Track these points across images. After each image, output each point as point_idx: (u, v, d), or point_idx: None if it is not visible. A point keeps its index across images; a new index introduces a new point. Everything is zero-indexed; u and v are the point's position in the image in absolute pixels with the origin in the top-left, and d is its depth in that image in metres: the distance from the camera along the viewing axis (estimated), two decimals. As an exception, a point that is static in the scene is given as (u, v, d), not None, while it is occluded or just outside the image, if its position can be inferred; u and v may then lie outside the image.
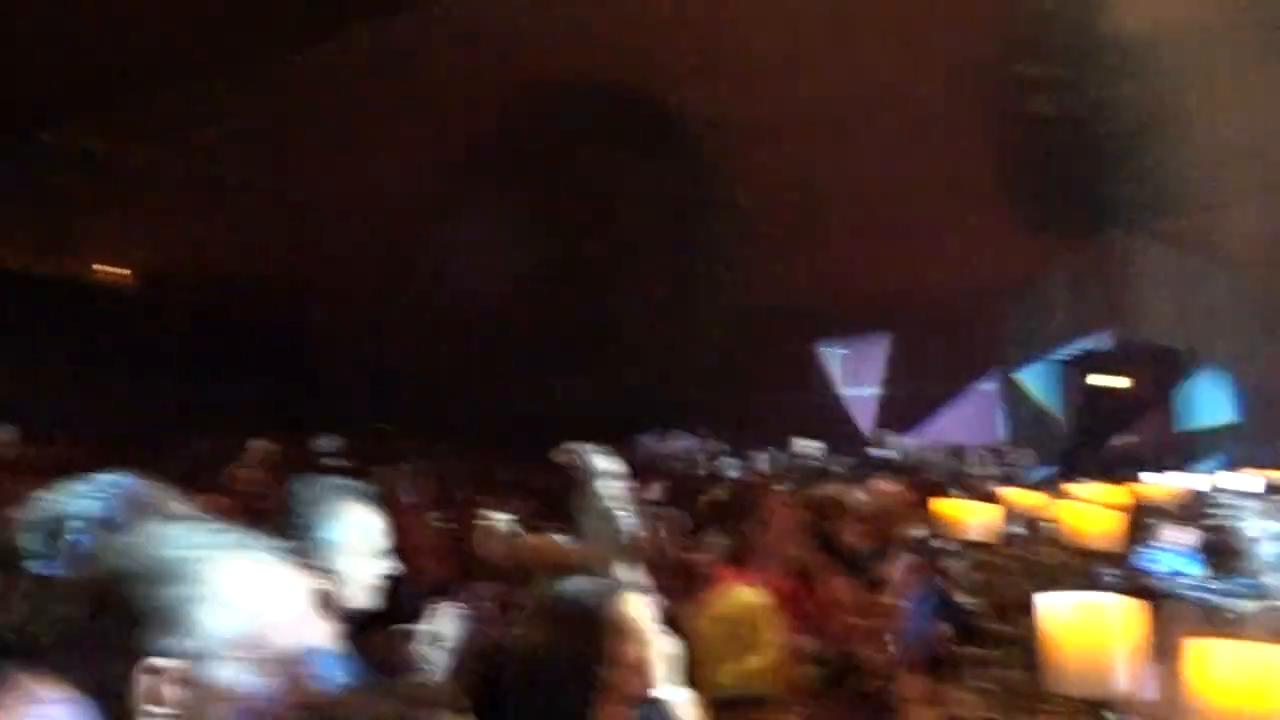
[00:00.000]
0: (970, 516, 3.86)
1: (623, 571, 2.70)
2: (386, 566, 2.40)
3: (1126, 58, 12.05)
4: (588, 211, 15.35)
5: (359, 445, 9.33)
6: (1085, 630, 1.49)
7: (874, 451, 12.12)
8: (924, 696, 3.69)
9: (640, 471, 5.71)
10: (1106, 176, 12.84)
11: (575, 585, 2.02)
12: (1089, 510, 4.06)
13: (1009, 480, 8.58)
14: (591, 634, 1.81)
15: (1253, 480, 7.95)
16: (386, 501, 2.51)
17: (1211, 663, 1.20)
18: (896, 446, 12.41)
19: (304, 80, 14.09)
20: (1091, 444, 12.74)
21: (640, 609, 1.95)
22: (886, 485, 5.36)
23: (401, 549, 2.46)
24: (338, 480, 2.51)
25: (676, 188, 15.54)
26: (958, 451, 11.90)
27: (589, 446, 4.24)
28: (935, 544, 4.49)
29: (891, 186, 13.30)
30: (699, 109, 14.73)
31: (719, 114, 14.21)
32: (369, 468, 5.81)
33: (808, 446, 10.49)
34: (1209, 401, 13.40)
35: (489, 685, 2.34)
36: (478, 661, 2.44)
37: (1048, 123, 13.39)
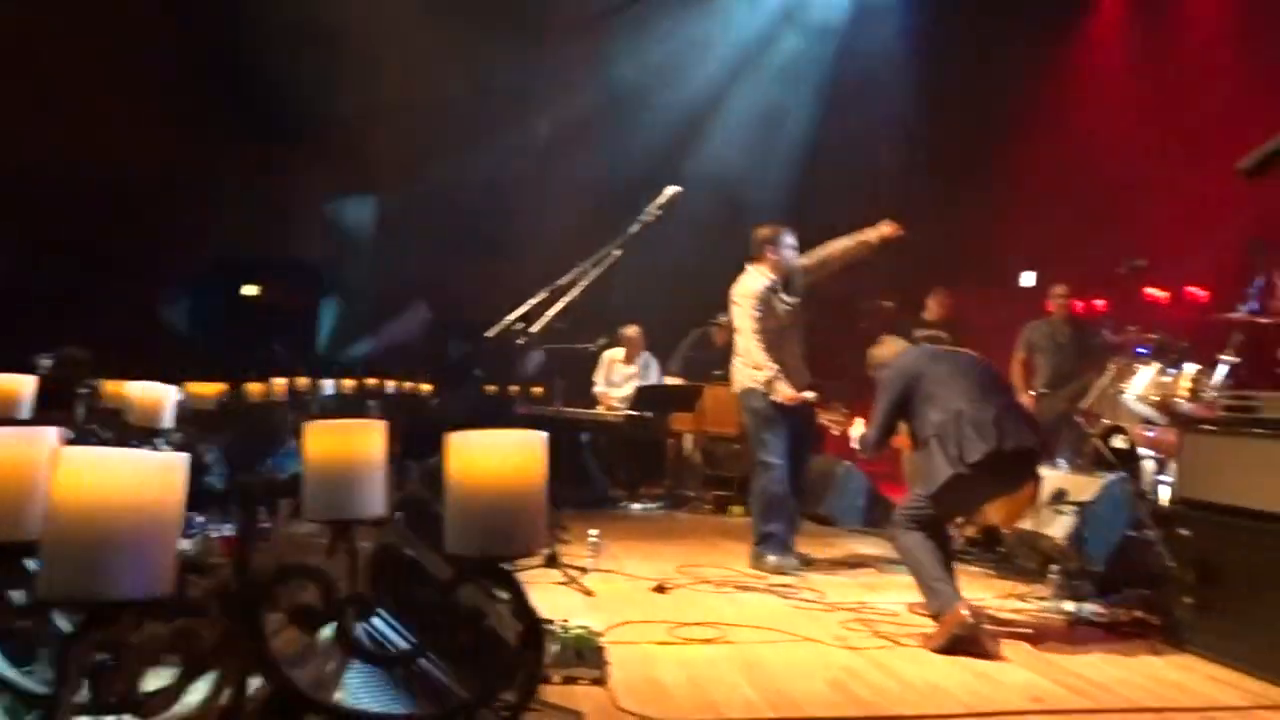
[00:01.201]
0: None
1: None
2: None
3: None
4: None
5: None
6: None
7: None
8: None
9: None
10: (273, 85, 12.90)
11: None
12: (158, 397, 4.25)
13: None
14: None
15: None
16: None
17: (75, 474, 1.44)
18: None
19: None
20: (232, 346, 13.11)
21: None
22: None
23: None
24: None
25: None
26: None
27: None
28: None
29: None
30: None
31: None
32: None
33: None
34: (337, 314, 14.79)
35: None
36: None
37: (228, 23, 13.09)
